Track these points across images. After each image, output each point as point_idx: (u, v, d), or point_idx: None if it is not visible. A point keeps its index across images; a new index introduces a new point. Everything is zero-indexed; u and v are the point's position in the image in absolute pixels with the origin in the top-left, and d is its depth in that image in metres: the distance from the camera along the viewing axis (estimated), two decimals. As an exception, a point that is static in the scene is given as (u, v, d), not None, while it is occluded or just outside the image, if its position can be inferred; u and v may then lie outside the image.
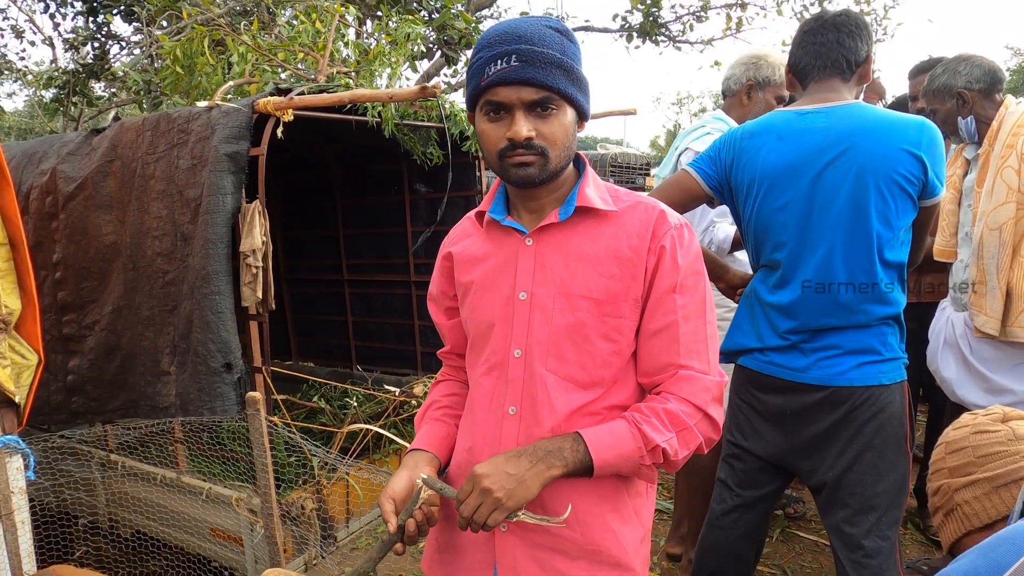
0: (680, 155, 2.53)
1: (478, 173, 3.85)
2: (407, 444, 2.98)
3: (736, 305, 1.99)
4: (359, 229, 4.55)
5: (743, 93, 2.49)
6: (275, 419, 2.75)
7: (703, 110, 32.99)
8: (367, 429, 2.95)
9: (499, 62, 1.04)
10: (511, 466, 1.02)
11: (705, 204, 1.93)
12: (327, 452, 2.81)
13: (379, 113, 2.90)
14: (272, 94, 2.61)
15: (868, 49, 1.74)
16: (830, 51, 1.72)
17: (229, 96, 2.91)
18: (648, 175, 14.24)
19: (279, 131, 2.55)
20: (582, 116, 1.12)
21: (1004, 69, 2.36)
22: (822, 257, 1.66)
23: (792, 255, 1.71)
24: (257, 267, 2.53)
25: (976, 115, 2.27)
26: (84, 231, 2.94)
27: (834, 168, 1.64)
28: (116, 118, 3.18)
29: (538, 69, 1.03)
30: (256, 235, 2.50)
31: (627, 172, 13.43)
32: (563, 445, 1.04)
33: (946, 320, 2.48)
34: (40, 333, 2.02)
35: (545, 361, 1.11)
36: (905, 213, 1.63)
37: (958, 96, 2.25)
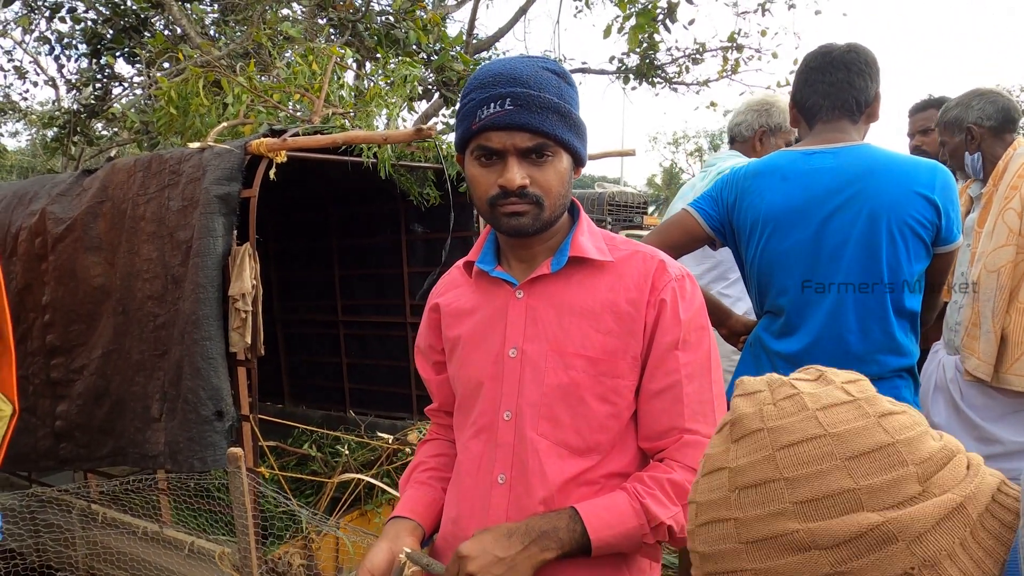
0: None
1: (475, 212, 3.82)
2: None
3: (739, 352, 1.92)
4: (355, 270, 4.49)
5: (755, 139, 2.46)
6: (262, 469, 2.65)
7: (699, 149, 33.36)
8: (359, 479, 2.84)
9: (492, 105, 0.97)
10: (500, 548, 0.93)
11: (707, 246, 1.87)
12: (316, 503, 2.70)
13: (375, 154, 2.87)
14: (266, 135, 2.58)
15: (877, 87, 1.69)
16: (840, 91, 1.65)
17: (223, 137, 2.88)
18: (646, 214, 14.31)
19: (272, 173, 2.51)
20: (579, 162, 1.06)
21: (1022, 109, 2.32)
22: (832, 304, 1.59)
23: (798, 301, 1.64)
24: (246, 311, 2.46)
25: (983, 152, 2.22)
26: (73, 273, 2.88)
27: (844, 211, 1.57)
28: (110, 159, 3.16)
29: (534, 114, 0.97)
30: (246, 279, 2.43)
31: (625, 211, 13.48)
32: (558, 524, 0.95)
33: (938, 363, 2.39)
34: (15, 381, 1.93)
35: (537, 425, 1.03)
36: (919, 259, 1.56)
37: (967, 131, 2.20)
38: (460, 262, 1.20)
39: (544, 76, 1.00)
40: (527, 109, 0.97)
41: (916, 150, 2.98)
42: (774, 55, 8.24)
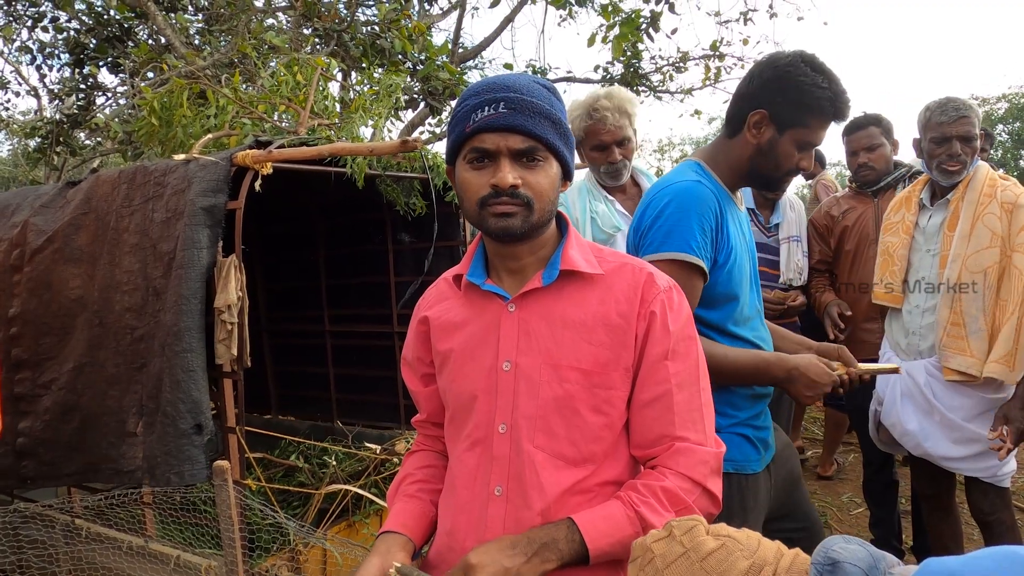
0: None
1: (461, 221, 3.83)
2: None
3: None
4: (342, 279, 4.48)
5: None
6: (249, 481, 2.63)
7: (684, 156, 33.56)
8: (346, 490, 2.83)
9: (486, 108, 1.00)
10: (506, 558, 0.94)
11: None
12: (303, 515, 2.68)
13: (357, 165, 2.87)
14: (252, 147, 2.57)
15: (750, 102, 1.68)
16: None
17: (208, 149, 2.87)
18: (633, 220, 14.36)
19: (258, 184, 2.50)
20: (567, 174, 1.08)
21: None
22: None
23: None
24: (232, 323, 2.44)
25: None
26: (48, 285, 2.83)
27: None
28: (94, 170, 3.14)
29: (527, 117, 1.00)
30: (231, 290, 2.42)
31: (612, 217, 13.52)
32: (557, 536, 0.97)
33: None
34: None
35: (533, 437, 1.04)
36: None
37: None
38: (448, 274, 1.20)
39: (535, 87, 1.05)
40: (521, 112, 1.00)
41: (863, 167, 2.95)
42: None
